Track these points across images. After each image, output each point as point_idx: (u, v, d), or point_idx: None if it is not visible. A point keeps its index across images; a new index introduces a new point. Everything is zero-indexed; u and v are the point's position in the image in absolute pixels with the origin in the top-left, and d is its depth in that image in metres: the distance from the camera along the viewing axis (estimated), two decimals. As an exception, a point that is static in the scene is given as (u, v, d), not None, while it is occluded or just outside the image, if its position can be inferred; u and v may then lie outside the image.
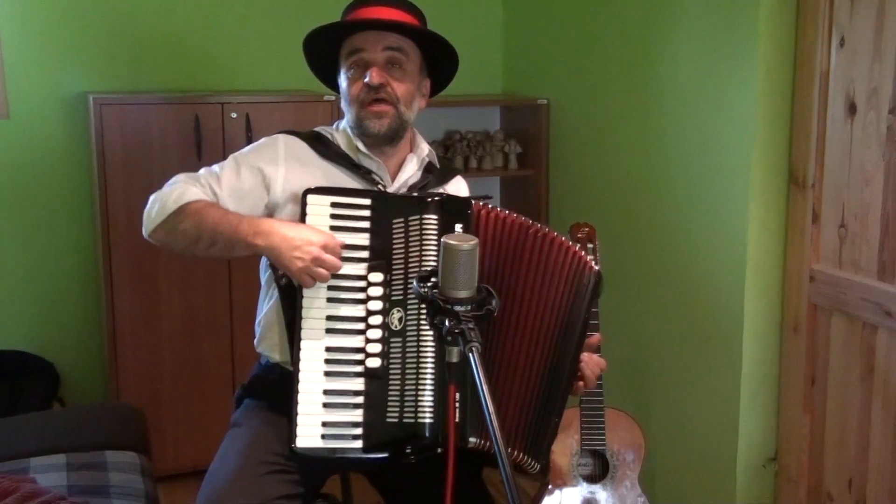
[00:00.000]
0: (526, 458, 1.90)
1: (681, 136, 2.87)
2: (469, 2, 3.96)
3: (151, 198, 2.00)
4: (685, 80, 2.83)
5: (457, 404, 1.80)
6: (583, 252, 2.01)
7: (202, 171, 2.03)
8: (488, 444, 1.85)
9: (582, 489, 2.50)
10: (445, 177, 2.19)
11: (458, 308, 1.51)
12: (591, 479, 2.52)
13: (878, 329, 2.34)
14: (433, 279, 1.55)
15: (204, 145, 3.26)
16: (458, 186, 2.23)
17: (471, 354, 1.47)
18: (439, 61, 2.13)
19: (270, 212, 2.01)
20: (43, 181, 3.46)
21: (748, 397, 2.67)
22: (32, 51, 3.39)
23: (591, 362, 2.05)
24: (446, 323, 1.51)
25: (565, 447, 2.51)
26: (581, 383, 2.03)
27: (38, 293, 3.52)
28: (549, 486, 2.49)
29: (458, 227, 1.90)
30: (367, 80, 1.99)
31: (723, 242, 2.69)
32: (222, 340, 3.35)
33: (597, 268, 2.01)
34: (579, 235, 2.57)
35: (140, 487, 2.25)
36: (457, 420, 1.81)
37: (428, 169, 2.15)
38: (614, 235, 3.14)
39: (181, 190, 1.95)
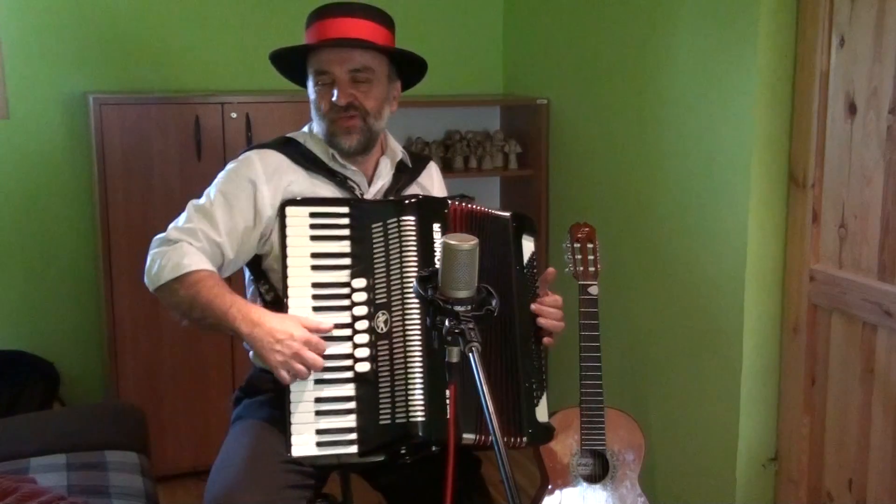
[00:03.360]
0: (507, 437, 1.88)
1: (681, 136, 2.87)
2: (469, 2, 3.96)
3: (151, 252, 1.99)
4: (685, 80, 2.83)
5: (447, 401, 1.82)
6: (503, 211, 2.05)
7: (193, 212, 2.01)
8: (482, 438, 1.85)
9: (582, 489, 2.50)
10: (418, 169, 2.21)
11: (458, 308, 1.52)
12: (591, 479, 2.52)
13: (878, 329, 2.34)
14: (430, 277, 1.55)
15: (204, 145, 3.27)
16: (430, 175, 2.24)
17: (471, 354, 1.48)
18: (407, 64, 2.12)
19: (266, 236, 2.02)
20: (43, 181, 3.46)
21: (748, 397, 2.67)
22: (32, 51, 3.39)
23: (544, 309, 2.02)
24: (446, 323, 1.51)
25: (565, 447, 2.51)
26: (547, 339, 2.02)
27: (38, 293, 3.52)
28: (549, 487, 2.49)
29: (436, 227, 1.92)
30: (334, 99, 2.00)
31: (723, 242, 2.69)
32: (222, 340, 3.35)
33: (508, 213, 2.04)
34: (579, 235, 2.56)
35: (140, 487, 2.25)
36: (449, 417, 1.82)
37: (400, 168, 2.16)
38: (614, 235, 3.14)
39: (179, 255, 1.93)
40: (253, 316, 1.85)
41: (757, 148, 2.56)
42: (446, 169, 3.75)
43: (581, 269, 2.54)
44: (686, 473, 2.92)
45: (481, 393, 1.45)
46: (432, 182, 2.25)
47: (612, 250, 3.04)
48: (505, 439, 1.86)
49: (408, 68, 2.12)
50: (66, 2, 3.41)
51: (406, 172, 2.17)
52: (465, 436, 1.85)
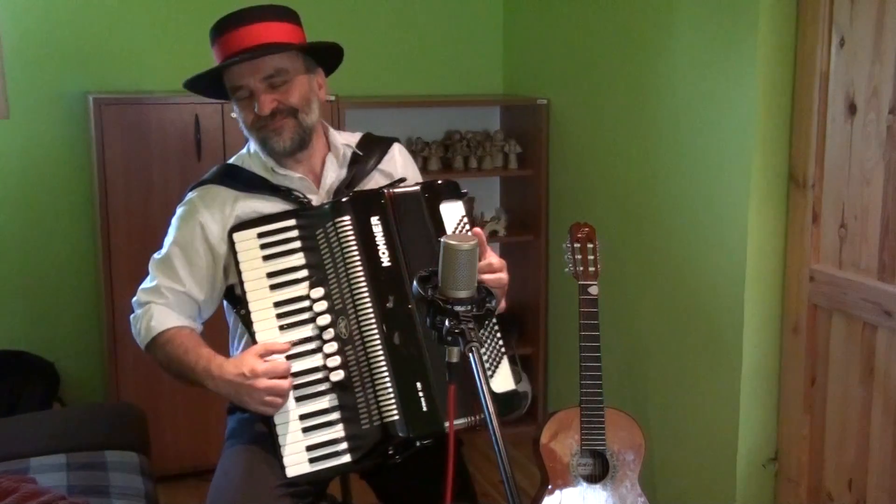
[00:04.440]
0: (465, 420, 1.84)
1: (681, 136, 2.87)
2: (469, 2, 3.96)
3: (132, 315, 2.02)
4: (685, 80, 2.83)
5: (420, 394, 1.83)
6: (418, 183, 2.03)
7: (154, 268, 2.01)
8: (472, 419, 1.83)
9: (582, 489, 2.50)
10: (378, 156, 2.12)
11: (458, 308, 1.52)
12: (591, 479, 2.52)
13: (878, 329, 2.34)
14: (426, 274, 1.56)
15: (204, 145, 3.26)
16: (393, 158, 2.15)
17: (471, 354, 1.48)
18: (322, 51, 2.04)
19: (229, 268, 2.00)
20: (43, 181, 3.46)
21: (748, 397, 2.67)
22: (32, 51, 3.39)
23: (483, 276, 1.84)
24: (446, 323, 1.51)
25: (565, 447, 2.51)
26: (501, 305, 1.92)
27: (38, 293, 3.52)
28: (549, 487, 2.49)
29: (374, 220, 1.92)
30: (256, 111, 1.95)
31: (723, 242, 2.69)
32: (222, 340, 3.34)
33: (418, 186, 2.00)
34: (579, 235, 2.56)
35: (140, 487, 2.25)
36: (425, 409, 1.83)
37: (354, 160, 2.08)
38: (614, 235, 3.14)
39: (148, 318, 1.97)
40: (213, 371, 1.87)
41: (757, 148, 2.56)
42: (446, 169, 3.75)
43: (581, 269, 2.54)
44: (686, 473, 2.92)
45: (481, 393, 1.45)
46: (395, 166, 2.14)
47: (612, 250, 3.04)
48: (463, 422, 1.83)
49: (324, 54, 2.05)
50: (66, 2, 3.41)
51: (361, 163, 2.08)
52: (445, 424, 1.83)
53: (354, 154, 2.09)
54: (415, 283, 1.58)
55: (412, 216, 1.97)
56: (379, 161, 2.12)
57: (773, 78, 2.54)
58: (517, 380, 1.97)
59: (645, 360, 3.11)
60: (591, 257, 2.55)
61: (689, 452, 2.90)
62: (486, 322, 1.91)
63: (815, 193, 2.51)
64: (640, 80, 3.05)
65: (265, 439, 1.93)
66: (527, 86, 3.85)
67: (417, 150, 3.69)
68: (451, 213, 1.99)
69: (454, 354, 1.51)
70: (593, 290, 2.51)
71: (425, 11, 3.89)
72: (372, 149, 2.13)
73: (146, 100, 3.25)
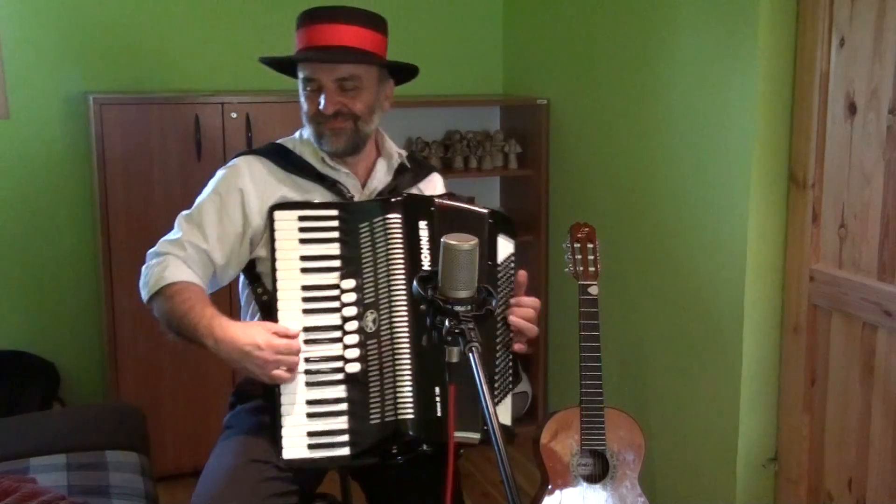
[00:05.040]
0: (460, 433, 1.83)
1: (681, 136, 2.87)
2: (469, 2, 3.96)
3: (144, 266, 2.01)
4: (685, 80, 2.83)
5: (437, 399, 1.82)
6: (484, 207, 2.04)
7: (183, 222, 2.02)
8: (473, 435, 1.84)
9: (582, 489, 2.50)
10: (419, 176, 2.19)
11: (458, 308, 1.52)
12: (591, 479, 2.52)
13: (878, 329, 2.34)
14: (426, 274, 1.55)
15: (204, 145, 3.27)
16: (433, 184, 2.22)
17: (471, 354, 1.47)
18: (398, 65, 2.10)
19: (256, 243, 2.03)
20: (43, 181, 3.46)
21: (748, 397, 2.67)
22: (32, 51, 3.39)
23: (516, 309, 1.96)
24: (446, 323, 1.51)
25: (565, 447, 2.51)
26: (518, 344, 1.97)
27: (37, 293, 3.52)
28: (549, 487, 2.49)
29: (422, 224, 1.92)
30: (321, 107, 2.00)
31: (723, 242, 2.69)
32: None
33: (487, 210, 2.01)
34: (579, 235, 2.56)
35: (140, 487, 2.26)
36: (439, 415, 1.82)
37: (400, 170, 2.15)
38: (614, 235, 3.14)
39: (162, 268, 1.95)
40: (217, 332, 1.85)
41: (757, 148, 2.56)
42: (446, 169, 3.75)
43: (581, 269, 2.54)
44: (686, 473, 2.92)
45: (481, 392, 1.45)
46: (433, 190, 2.22)
47: (612, 250, 3.04)
48: (457, 435, 1.83)
49: (399, 68, 2.11)
50: (66, 2, 3.41)
51: (406, 175, 2.16)
52: (457, 434, 1.84)
53: (402, 165, 2.16)
54: (414, 282, 1.58)
55: (468, 232, 1.97)
56: (420, 180, 2.18)
57: (773, 78, 2.54)
58: (514, 415, 1.99)
59: (645, 360, 3.11)
60: (591, 257, 2.54)
61: (689, 452, 2.90)
62: (507, 353, 1.95)
63: (815, 193, 2.51)
64: (640, 80, 3.05)
65: (259, 432, 1.93)
66: (527, 86, 3.86)
67: (417, 150, 3.69)
68: (505, 247, 2.02)
69: (454, 354, 1.51)
70: (593, 290, 2.51)
71: (425, 11, 3.89)
72: (417, 166, 2.21)
73: (146, 100, 3.25)
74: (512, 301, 1.97)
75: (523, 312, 1.96)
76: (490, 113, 4.01)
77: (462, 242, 1.51)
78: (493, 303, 1.57)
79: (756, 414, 2.68)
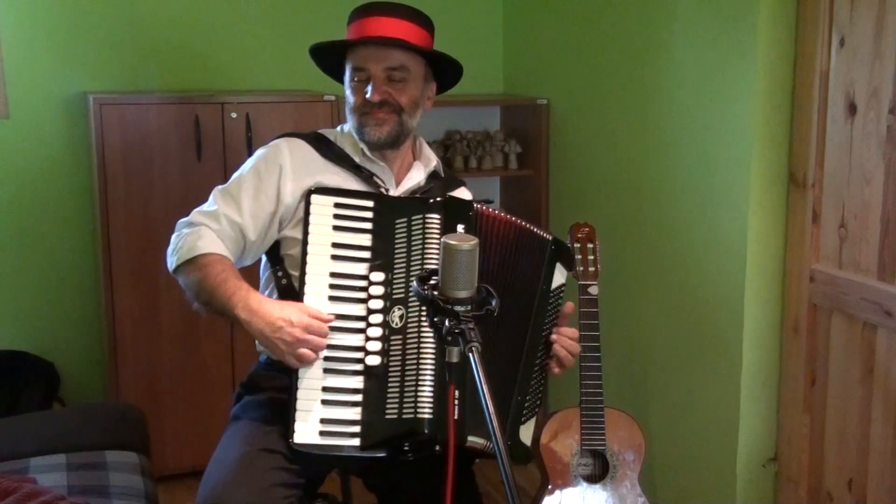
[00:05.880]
0: (483, 440, 1.89)
1: (681, 136, 2.87)
2: (469, 2, 3.96)
3: (173, 236, 2.01)
4: (685, 80, 2.83)
5: (456, 402, 1.82)
6: (547, 233, 2.07)
7: (218, 195, 2.04)
8: (488, 443, 1.85)
9: (582, 489, 2.50)
10: (449, 186, 2.22)
11: (458, 308, 1.52)
12: (591, 479, 2.52)
13: (878, 329, 2.34)
14: (433, 279, 1.55)
15: (204, 145, 3.26)
16: (461, 195, 2.24)
17: (471, 354, 1.47)
18: (444, 67, 2.15)
19: (285, 224, 2.04)
20: (43, 181, 3.46)
21: (748, 397, 2.67)
22: (32, 51, 3.39)
23: (563, 339, 2.05)
24: (446, 323, 1.51)
25: (565, 447, 2.51)
26: (557, 369, 2.05)
27: (38, 293, 3.52)
28: (549, 487, 2.49)
29: (460, 228, 1.93)
30: (367, 96, 2.03)
31: (723, 242, 2.69)
32: (222, 340, 3.35)
33: (550, 236, 2.06)
34: (579, 235, 2.56)
35: (140, 487, 2.25)
36: (456, 418, 1.82)
37: (433, 176, 2.19)
38: (614, 235, 3.14)
39: (194, 238, 1.95)
40: (252, 304, 1.86)
41: (757, 148, 2.56)
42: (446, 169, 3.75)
43: (581, 269, 2.54)
44: (686, 473, 2.92)
45: (481, 393, 1.45)
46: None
47: (612, 250, 3.04)
48: (480, 442, 1.87)
49: (444, 71, 2.15)
50: (66, 1, 3.41)
51: (439, 182, 2.19)
52: (471, 438, 1.85)
53: (436, 172, 2.20)
54: (414, 282, 1.59)
55: (529, 254, 2.02)
56: (450, 190, 2.20)
57: (773, 78, 2.54)
58: (534, 437, 2.07)
59: (645, 360, 3.11)
60: (591, 257, 2.54)
61: (689, 452, 2.90)
62: (542, 376, 2.03)
63: (815, 193, 2.51)
64: (640, 80, 3.05)
65: (267, 423, 1.94)
66: (527, 86, 3.85)
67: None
68: (559, 276, 2.07)
69: (454, 354, 1.51)
70: (593, 290, 2.51)
71: (425, 11, 3.88)
72: (449, 177, 2.26)
73: (146, 100, 3.25)
74: (553, 336, 2.03)
75: (568, 345, 2.04)
76: (490, 113, 4.01)
77: (462, 242, 1.51)
78: (494, 303, 1.57)
79: (756, 414, 2.68)
